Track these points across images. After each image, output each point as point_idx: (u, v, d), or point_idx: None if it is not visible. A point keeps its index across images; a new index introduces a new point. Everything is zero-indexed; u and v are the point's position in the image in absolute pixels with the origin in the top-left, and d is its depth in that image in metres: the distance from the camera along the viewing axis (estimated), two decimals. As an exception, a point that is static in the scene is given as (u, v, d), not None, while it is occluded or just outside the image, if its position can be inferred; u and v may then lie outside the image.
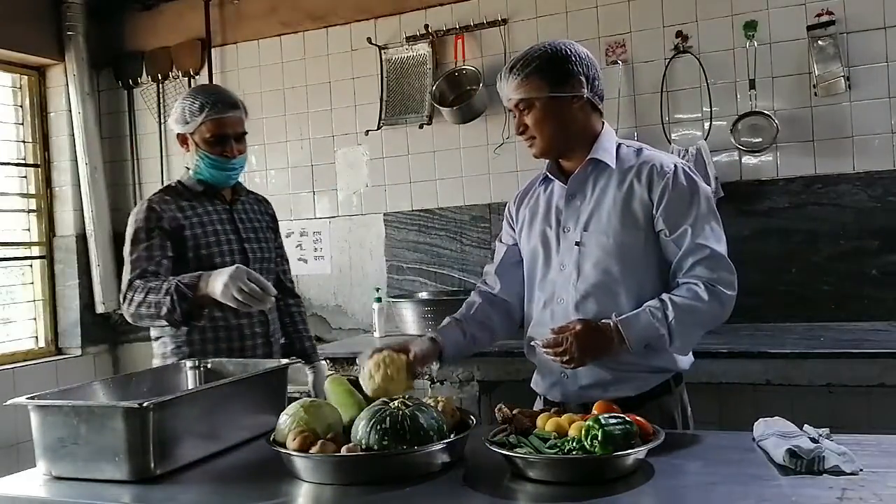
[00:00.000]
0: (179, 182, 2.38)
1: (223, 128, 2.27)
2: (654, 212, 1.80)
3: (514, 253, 2.04)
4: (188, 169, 2.37)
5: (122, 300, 2.23)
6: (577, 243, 1.85)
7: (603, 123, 1.91)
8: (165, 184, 2.58)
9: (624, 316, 1.76)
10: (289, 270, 2.65)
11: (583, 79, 1.83)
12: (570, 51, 1.84)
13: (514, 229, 2.05)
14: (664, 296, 1.76)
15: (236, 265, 2.09)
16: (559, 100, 1.81)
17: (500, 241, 2.11)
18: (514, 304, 2.03)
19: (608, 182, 1.85)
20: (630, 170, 1.84)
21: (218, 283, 2.03)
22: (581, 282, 1.84)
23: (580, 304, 1.84)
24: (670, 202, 1.79)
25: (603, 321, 1.76)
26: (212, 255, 2.28)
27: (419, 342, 1.90)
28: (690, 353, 1.90)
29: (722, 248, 1.80)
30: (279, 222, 2.62)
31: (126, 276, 2.24)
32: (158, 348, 2.33)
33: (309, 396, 1.91)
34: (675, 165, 1.83)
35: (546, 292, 1.92)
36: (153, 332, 2.35)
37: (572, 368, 1.78)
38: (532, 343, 1.83)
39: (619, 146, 1.90)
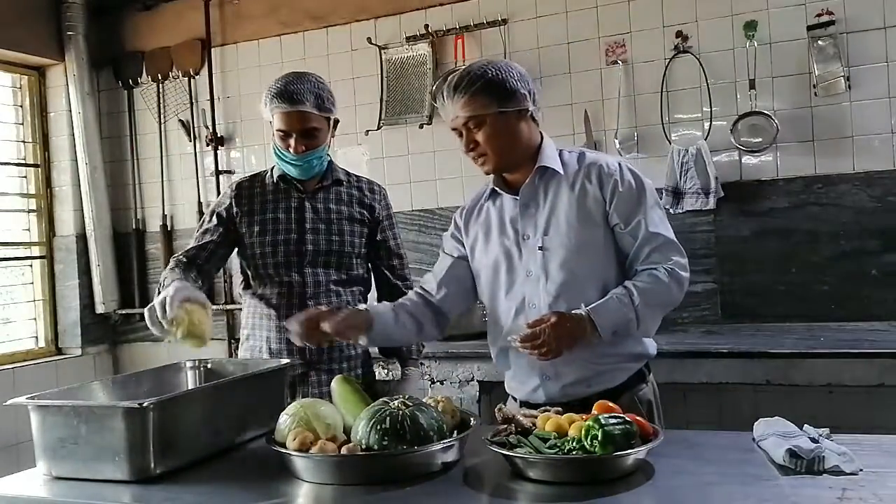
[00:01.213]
0: (272, 168, 2.37)
1: (286, 123, 2.20)
2: (607, 208, 1.90)
3: (460, 266, 2.09)
4: None
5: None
6: (541, 248, 1.92)
7: (542, 134, 1.97)
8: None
9: (593, 304, 1.82)
10: (399, 267, 2.44)
11: (525, 93, 1.89)
12: (509, 68, 1.91)
13: (463, 245, 2.09)
14: (627, 283, 1.85)
15: (176, 286, 1.98)
16: (506, 115, 1.87)
17: (444, 252, 2.15)
18: (446, 313, 2.10)
19: (559, 187, 1.93)
20: (578, 172, 1.93)
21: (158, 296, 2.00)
22: (550, 283, 1.90)
23: (553, 304, 1.89)
24: (621, 197, 1.89)
25: (574, 311, 1.81)
26: (264, 242, 2.26)
27: (349, 310, 2.00)
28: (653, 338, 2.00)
29: (671, 234, 1.91)
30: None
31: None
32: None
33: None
34: (620, 164, 1.95)
35: (515, 300, 1.95)
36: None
37: (550, 359, 1.80)
38: (509, 339, 1.85)
39: (560, 153, 1.98)
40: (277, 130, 2.22)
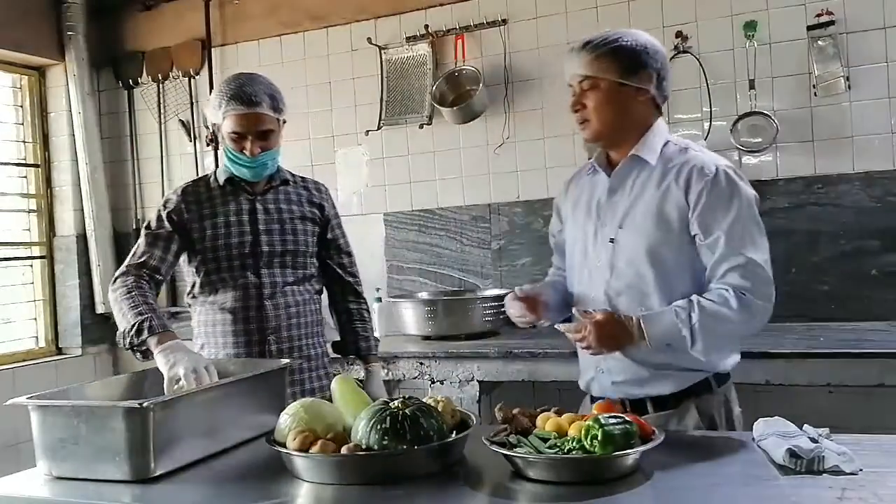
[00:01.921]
0: (214, 172, 2.36)
1: (241, 125, 2.19)
2: (689, 215, 1.76)
3: (563, 242, 2.07)
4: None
5: (111, 280, 2.23)
6: (612, 240, 1.85)
7: (658, 120, 1.88)
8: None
9: (649, 312, 1.75)
10: (349, 265, 2.46)
11: (653, 73, 1.81)
12: (648, 45, 1.82)
13: (561, 221, 2.08)
14: (694, 297, 1.73)
15: (185, 357, 1.91)
16: (625, 87, 1.80)
17: (551, 236, 2.14)
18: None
19: (648, 180, 1.83)
20: (671, 169, 1.81)
21: (163, 359, 1.93)
22: (614, 279, 1.85)
23: (613, 301, 1.85)
24: (707, 206, 1.74)
25: (626, 315, 1.76)
26: (217, 246, 2.24)
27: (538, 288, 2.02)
28: (736, 354, 1.89)
29: (759, 256, 1.74)
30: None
31: (127, 258, 2.26)
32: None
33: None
34: (717, 167, 1.78)
35: (583, 285, 1.95)
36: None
37: (591, 354, 1.81)
38: (556, 326, 1.85)
39: (666, 143, 1.86)
40: (231, 133, 2.20)
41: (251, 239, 2.26)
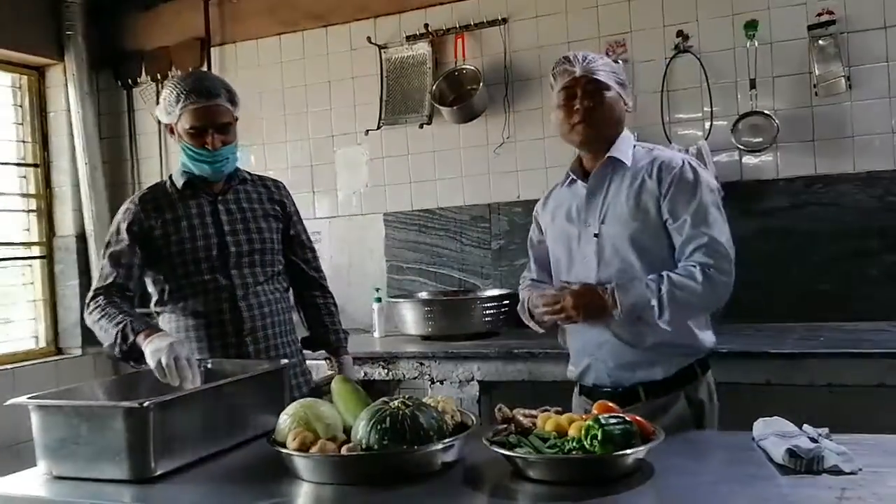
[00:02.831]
0: (170, 177, 2.31)
1: (201, 119, 2.15)
2: (661, 202, 1.94)
3: (542, 251, 2.21)
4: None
5: (85, 305, 2.18)
6: (596, 235, 2.00)
7: (624, 128, 2.07)
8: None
9: (622, 282, 1.90)
10: (312, 259, 2.46)
11: (630, 92, 2.07)
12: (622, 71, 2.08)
13: (540, 229, 2.21)
14: (664, 272, 1.89)
15: (171, 342, 1.91)
16: (619, 99, 2.01)
17: (530, 246, 2.27)
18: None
19: (623, 178, 2.00)
20: (643, 167, 2.00)
21: (150, 348, 1.92)
22: (601, 270, 1.97)
23: None
24: (675, 193, 1.93)
25: (601, 286, 1.92)
26: (184, 251, 2.19)
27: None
28: (710, 331, 2.03)
29: (721, 236, 1.92)
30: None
31: (94, 281, 2.21)
32: None
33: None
34: (683, 160, 1.99)
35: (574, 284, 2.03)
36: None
37: (568, 322, 1.97)
38: (534, 302, 2.01)
39: (635, 147, 2.05)
40: (191, 129, 2.16)
41: (217, 241, 2.22)
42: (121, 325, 2.01)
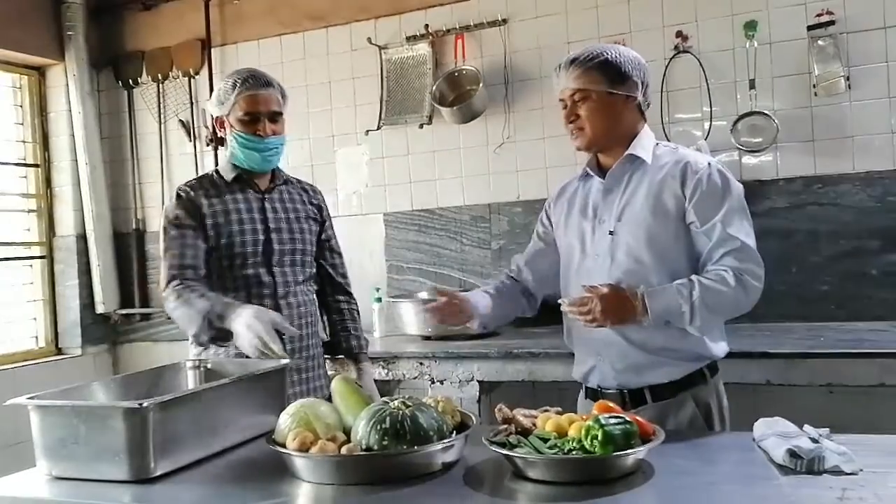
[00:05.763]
0: (216, 171, 2.34)
1: (255, 105, 2.22)
2: (686, 205, 1.89)
3: (543, 247, 2.20)
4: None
5: (162, 296, 2.22)
6: (611, 232, 1.96)
7: (644, 125, 2.03)
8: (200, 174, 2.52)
9: (652, 288, 1.85)
10: (340, 265, 2.52)
11: (637, 82, 1.97)
12: (628, 55, 1.99)
13: (549, 225, 2.18)
14: (693, 277, 1.85)
15: (257, 310, 2.01)
16: (614, 97, 1.94)
17: (534, 236, 2.25)
18: (534, 293, 2.22)
19: (643, 177, 1.96)
20: (665, 166, 1.95)
21: (240, 326, 1.98)
22: (614, 268, 1.94)
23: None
24: (702, 196, 1.88)
25: (630, 289, 1.85)
26: (232, 244, 2.22)
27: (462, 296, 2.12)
28: (724, 342, 1.99)
29: (751, 241, 1.88)
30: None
31: (162, 272, 2.23)
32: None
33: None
34: (709, 163, 1.94)
35: (583, 281, 1.99)
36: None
37: (595, 327, 1.87)
38: (559, 301, 1.93)
39: (656, 145, 2.01)
40: (245, 115, 2.22)
41: (264, 237, 2.26)
42: (204, 312, 2.06)
